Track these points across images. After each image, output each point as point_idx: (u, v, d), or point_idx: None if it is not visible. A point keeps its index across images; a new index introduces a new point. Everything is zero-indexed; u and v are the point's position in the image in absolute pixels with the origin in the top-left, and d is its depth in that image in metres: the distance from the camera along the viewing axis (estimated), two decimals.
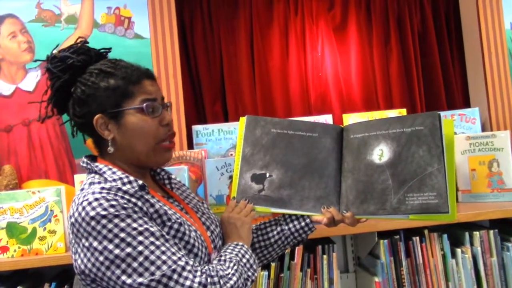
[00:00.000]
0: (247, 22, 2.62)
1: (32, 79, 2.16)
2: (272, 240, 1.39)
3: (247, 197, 1.38)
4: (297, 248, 1.72)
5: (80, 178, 1.83)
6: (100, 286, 1.06)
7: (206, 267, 1.07)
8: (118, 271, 1.01)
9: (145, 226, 1.04)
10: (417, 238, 1.77)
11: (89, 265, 1.03)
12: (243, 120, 1.44)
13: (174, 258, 1.03)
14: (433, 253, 1.78)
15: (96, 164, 1.18)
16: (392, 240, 1.78)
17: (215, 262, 1.14)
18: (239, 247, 1.22)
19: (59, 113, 1.24)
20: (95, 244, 1.02)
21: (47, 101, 1.22)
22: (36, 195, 1.72)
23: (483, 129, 2.36)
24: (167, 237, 1.07)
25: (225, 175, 1.83)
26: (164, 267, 1.01)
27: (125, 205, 1.05)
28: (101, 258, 1.01)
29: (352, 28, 2.70)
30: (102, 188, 1.07)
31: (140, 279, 1.00)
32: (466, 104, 2.70)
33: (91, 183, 1.13)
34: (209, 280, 1.04)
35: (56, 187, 1.73)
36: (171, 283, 1.01)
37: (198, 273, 1.03)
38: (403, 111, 2.31)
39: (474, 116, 2.28)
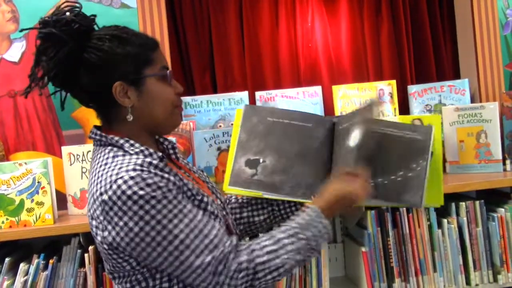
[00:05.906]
0: None
1: (17, 50, 2.12)
2: (262, 217, 1.41)
3: (240, 181, 1.38)
4: None
5: (67, 150, 1.82)
6: (132, 258, 1.06)
7: (246, 252, 1.06)
8: (154, 253, 1.02)
9: (179, 207, 1.03)
10: (404, 209, 1.79)
11: (122, 244, 1.02)
12: (239, 111, 1.46)
13: (206, 242, 1.03)
14: (419, 223, 1.80)
15: (111, 136, 1.13)
16: (379, 211, 1.80)
17: (266, 240, 1.10)
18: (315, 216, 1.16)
19: (57, 84, 1.15)
20: (130, 224, 1.00)
21: (50, 71, 1.10)
22: (23, 167, 1.71)
23: (472, 101, 2.36)
24: (199, 217, 1.06)
25: (213, 147, 1.83)
26: (198, 252, 1.02)
27: (160, 183, 1.03)
28: (137, 239, 1.01)
29: None
30: (135, 164, 1.04)
31: (176, 263, 1.02)
32: (456, 75, 2.68)
33: (114, 156, 1.08)
34: (241, 274, 1.04)
35: (43, 159, 1.73)
36: (199, 271, 1.02)
37: (233, 265, 1.04)
38: (393, 83, 2.30)
39: (464, 87, 2.28)
